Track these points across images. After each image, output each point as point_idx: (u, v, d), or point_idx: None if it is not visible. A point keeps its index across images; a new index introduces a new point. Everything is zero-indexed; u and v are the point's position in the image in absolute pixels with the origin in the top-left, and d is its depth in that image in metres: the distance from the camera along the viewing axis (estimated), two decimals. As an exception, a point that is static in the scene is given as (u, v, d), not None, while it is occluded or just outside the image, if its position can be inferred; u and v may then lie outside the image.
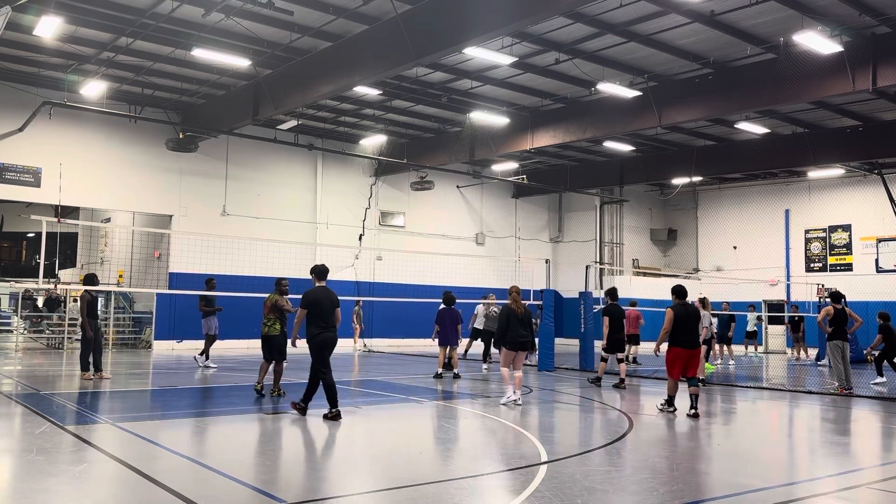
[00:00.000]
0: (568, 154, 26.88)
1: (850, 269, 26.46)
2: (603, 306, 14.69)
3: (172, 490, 5.56)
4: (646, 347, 19.53)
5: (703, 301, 15.09)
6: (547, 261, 20.80)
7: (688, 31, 15.60)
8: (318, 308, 9.06)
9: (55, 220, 13.90)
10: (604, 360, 13.95)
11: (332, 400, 8.92)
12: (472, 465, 6.99)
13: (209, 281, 16.00)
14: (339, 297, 9.32)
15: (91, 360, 12.85)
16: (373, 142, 24.15)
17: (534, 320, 13.05)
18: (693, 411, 9.78)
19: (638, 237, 31.80)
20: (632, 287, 27.73)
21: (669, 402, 10.21)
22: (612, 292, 14.39)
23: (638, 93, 18.03)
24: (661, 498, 5.73)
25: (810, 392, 13.29)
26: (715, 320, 17.90)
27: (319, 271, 9.42)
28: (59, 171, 18.01)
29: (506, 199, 30.39)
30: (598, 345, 15.36)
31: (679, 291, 10.31)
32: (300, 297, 9.22)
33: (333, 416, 8.84)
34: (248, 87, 19.09)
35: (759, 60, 16.72)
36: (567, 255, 31.02)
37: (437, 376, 14.40)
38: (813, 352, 22.52)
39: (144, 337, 22.59)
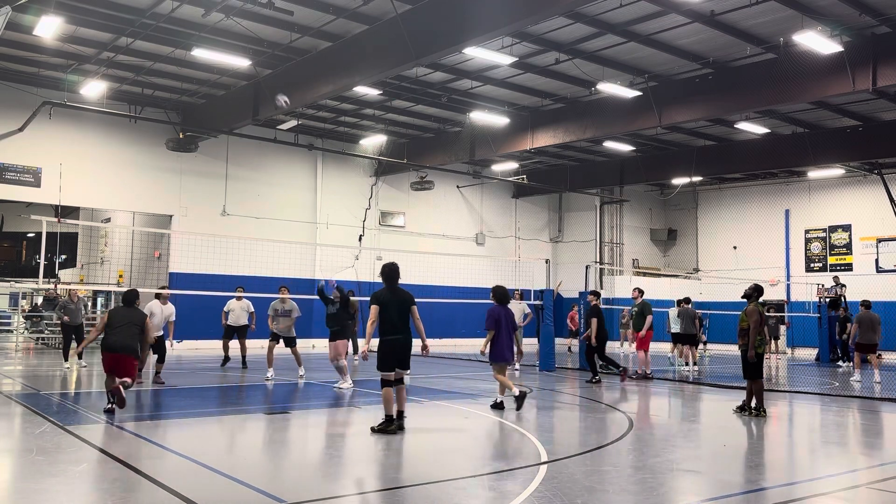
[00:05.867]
0: (568, 154, 26.88)
1: (851, 269, 26.44)
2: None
3: (172, 490, 5.56)
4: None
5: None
6: (547, 261, 20.79)
7: (688, 31, 15.60)
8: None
9: (55, 220, 13.89)
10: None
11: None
12: (471, 465, 6.98)
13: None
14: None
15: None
16: (373, 142, 24.15)
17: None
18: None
19: (638, 237, 31.79)
20: (631, 287, 27.68)
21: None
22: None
23: (638, 93, 18.03)
24: (661, 498, 5.73)
25: (809, 392, 13.29)
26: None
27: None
28: (59, 171, 18.01)
29: (506, 199, 30.38)
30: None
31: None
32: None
33: None
34: (248, 87, 19.09)
35: (759, 60, 16.72)
36: (567, 255, 31.00)
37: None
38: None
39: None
